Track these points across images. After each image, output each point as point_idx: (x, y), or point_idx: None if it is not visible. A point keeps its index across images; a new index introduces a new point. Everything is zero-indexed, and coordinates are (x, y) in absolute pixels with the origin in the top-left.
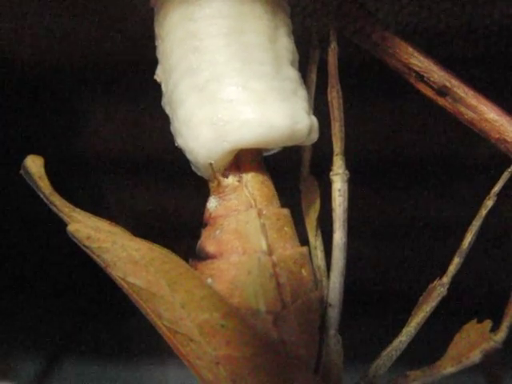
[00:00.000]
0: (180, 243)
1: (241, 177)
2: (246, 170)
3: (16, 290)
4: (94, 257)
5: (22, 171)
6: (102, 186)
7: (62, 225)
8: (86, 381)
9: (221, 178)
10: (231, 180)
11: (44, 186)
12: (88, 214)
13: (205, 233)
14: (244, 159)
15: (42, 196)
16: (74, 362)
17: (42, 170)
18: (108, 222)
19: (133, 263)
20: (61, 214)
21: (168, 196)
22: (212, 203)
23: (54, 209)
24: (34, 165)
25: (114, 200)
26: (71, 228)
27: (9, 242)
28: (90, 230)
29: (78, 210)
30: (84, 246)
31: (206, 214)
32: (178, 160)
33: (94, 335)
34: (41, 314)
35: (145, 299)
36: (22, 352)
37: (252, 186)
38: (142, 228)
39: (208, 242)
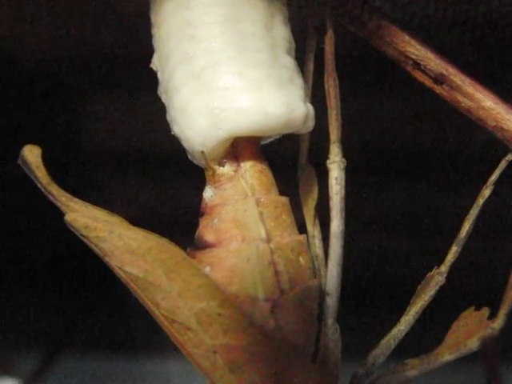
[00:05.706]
0: (179, 232)
1: (238, 166)
2: (244, 159)
3: (15, 285)
4: (92, 246)
5: (19, 161)
6: (99, 175)
7: (60, 215)
8: (86, 375)
9: (215, 167)
10: (227, 169)
11: (41, 175)
12: (85, 204)
13: (202, 222)
14: (242, 148)
15: (39, 186)
16: (74, 356)
17: (40, 160)
18: (106, 211)
19: (130, 252)
20: (58, 204)
21: (167, 184)
22: (208, 193)
23: (52, 198)
24: (32, 154)
25: (112, 189)
26: (69, 217)
27: (6, 234)
28: (88, 220)
29: (75, 199)
30: (82, 235)
31: (203, 204)
32: (175, 149)
33: (94, 330)
34: (40, 309)
35: (142, 288)
36: (21, 347)
37: (250, 175)
38: (140, 217)
39: (206, 231)
